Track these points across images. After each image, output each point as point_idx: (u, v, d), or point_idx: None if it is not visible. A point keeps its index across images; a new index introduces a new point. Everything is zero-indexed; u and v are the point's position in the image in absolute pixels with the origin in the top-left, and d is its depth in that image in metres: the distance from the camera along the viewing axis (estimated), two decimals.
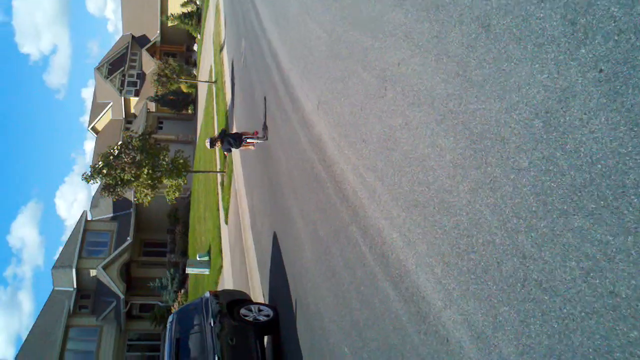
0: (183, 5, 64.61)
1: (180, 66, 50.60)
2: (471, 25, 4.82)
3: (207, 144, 16.90)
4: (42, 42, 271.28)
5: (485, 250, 4.49)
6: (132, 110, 70.12)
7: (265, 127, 16.28)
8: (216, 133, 30.73)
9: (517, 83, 4.17)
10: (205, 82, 44.20)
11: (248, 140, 16.49)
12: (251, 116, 19.13)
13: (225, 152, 20.51)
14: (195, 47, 70.28)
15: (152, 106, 65.53)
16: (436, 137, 5.36)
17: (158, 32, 70.87)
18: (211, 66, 42.04)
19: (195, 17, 62.19)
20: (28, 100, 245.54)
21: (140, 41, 71.91)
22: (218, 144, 16.50)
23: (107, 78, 68.68)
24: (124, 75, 69.44)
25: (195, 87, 58.76)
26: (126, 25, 72.85)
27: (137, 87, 69.14)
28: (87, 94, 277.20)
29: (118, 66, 69.48)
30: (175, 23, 63.11)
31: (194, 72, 62.14)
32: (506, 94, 4.30)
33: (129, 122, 68.72)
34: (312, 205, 10.09)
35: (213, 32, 43.59)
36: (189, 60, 71.60)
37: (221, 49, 35.93)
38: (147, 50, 70.95)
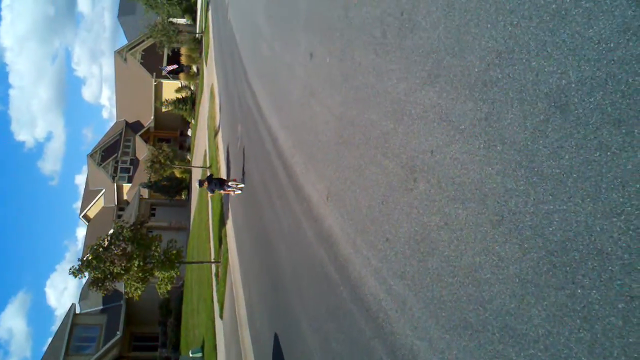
0: (177, 90, 64.85)
1: (174, 151, 50.07)
2: (537, 105, 3.82)
3: (197, 184, 20.01)
4: (37, 129, 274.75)
5: None
6: (125, 197, 69.28)
7: (243, 174, 19.15)
8: (210, 213, 34.58)
9: (620, 179, 3.13)
10: (200, 167, 43.40)
11: (228, 189, 19.78)
12: (248, 200, 18.28)
13: (210, 193, 22.77)
14: (189, 132, 70.13)
15: (145, 192, 64.63)
16: (492, 242, 4.26)
17: (152, 117, 70.89)
18: (205, 151, 41.37)
19: (189, 102, 62.26)
20: (22, 187, 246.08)
21: (134, 127, 71.88)
22: (205, 184, 19.28)
23: (100, 165, 68.20)
24: (117, 162, 69.01)
25: (189, 172, 57.99)
26: (120, 111, 73.05)
27: (130, 174, 68.58)
28: (81, 180, 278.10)
29: (111, 152, 69.18)
30: (170, 109, 63.08)
31: (188, 157, 61.56)
32: (601, 193, 3.25)
33: (121, 209, 67.69)
34: (321, 309, 8.85)
35: (208, 116, 43.19)
36: (183, 145, 71.39)
37: (216, 134, 35.35)
38: (141, 136, 70.83)
